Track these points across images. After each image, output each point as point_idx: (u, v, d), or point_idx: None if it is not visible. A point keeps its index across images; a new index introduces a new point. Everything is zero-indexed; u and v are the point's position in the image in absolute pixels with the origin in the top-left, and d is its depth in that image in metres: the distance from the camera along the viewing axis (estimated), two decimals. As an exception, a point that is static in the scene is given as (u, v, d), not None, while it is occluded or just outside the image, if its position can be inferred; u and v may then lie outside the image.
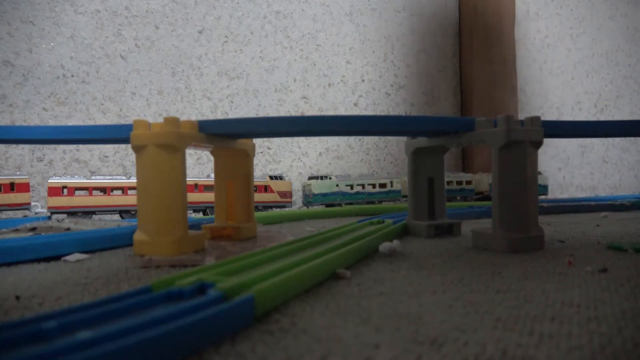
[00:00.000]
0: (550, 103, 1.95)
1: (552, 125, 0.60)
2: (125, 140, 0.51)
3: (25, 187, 0.89)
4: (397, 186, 1.24)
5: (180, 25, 1.21)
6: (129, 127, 0.50)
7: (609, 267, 0.38)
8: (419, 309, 0.27)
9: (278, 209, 1.10)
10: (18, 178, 0.88)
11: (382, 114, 1.53)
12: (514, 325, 0.24)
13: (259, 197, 1.07)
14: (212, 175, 1.01)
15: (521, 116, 1.76)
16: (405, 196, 1.25)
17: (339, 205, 1.16)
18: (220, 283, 0.26)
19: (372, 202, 1.21)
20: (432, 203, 0.63)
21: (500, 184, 0.49)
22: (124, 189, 0.92)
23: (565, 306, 0.27)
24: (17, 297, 0.31)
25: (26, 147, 1.02)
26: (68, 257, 0.46)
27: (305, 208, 1.16)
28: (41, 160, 1.04)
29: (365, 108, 1.50)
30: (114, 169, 1.11)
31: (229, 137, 0.57)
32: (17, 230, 0.69)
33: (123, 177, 0.93)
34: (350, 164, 1.46)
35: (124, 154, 1.12)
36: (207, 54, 1.24)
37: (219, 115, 1.25)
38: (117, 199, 0.91)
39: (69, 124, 1.06)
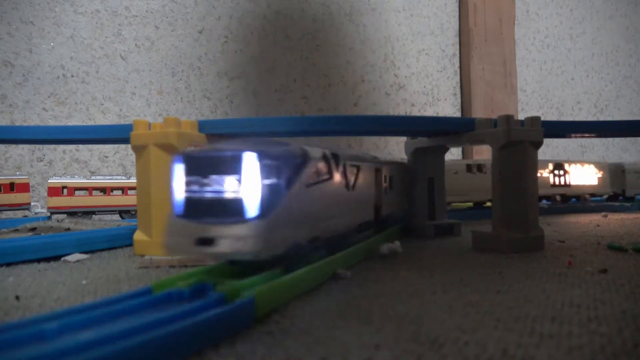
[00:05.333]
0: (550, 103, 1.95)
1: (552, 125, 0.60)
2: (125, 140, 0.51)
3: (25, 187, 0.89)
4: (397, 186, 1.24)
5: (180, 25, 1.21)
6: (129, 127, 0.50)
7: (609, 267, 0.38)
8: (420, 309, 0.27)
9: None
10: (18, 178, 0.88)
11: (382, 114, 1.53)
12: (514, 325, 0.24)
13: (259, 197, 1.07)
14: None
15: (521, 116, 1.76)
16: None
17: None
18: (221, 284, 0.26)
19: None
20: (432, 203, 0.63)
21: (500, 184, 0.49)
22: (124, 189, 0.91)
23: (566, 306, 0.27)
24: (17, 297, 0.31)
25: (26, 147, 1.02)
26: (68, 257, 0.46)
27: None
28: (41, 161, 1.04)
29: (365, 108, 1.50)
30: (114, 169, 1.11)
31: (229, 137, 0.57)
32: (17, 230, 0.69)
33: (123, 177, 0.93)
34: (350, 164, 1.46)
35: (124, 154, 1.12)
36: (207, 54, 1.24)
37: (219, 115, 1.25)
38: (117, 199, 0.91)
39: (69, 124, 1.06)
